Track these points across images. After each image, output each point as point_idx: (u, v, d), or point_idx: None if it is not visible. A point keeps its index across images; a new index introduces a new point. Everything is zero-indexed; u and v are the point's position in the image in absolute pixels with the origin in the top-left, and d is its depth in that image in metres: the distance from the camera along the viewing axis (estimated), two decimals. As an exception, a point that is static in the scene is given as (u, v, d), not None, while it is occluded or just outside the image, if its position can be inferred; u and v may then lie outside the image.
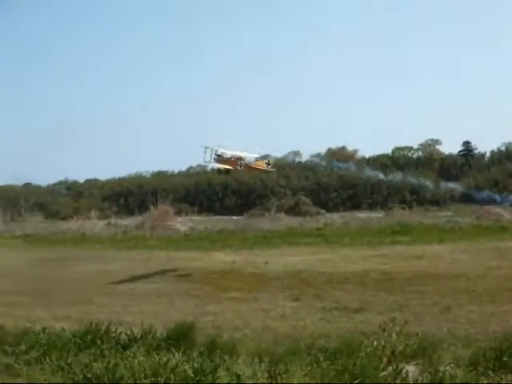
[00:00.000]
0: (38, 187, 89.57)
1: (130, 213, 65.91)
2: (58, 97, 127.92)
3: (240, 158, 26.80)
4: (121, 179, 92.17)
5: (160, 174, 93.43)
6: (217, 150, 26.78)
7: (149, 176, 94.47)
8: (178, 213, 46.49)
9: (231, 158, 26.92)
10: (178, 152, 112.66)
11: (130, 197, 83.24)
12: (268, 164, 27.35)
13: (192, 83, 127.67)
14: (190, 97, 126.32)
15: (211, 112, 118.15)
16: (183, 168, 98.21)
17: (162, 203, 42.59)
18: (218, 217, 63.25)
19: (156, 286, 18.34)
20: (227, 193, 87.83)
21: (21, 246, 35.44)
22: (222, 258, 25.37)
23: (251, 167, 27.32)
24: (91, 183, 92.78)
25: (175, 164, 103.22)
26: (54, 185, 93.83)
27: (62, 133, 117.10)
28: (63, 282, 20.24)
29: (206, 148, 26.33)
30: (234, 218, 57.03)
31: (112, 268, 23.23)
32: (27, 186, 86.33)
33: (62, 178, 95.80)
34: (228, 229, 39.94)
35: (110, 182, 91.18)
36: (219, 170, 28.61)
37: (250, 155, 26.92)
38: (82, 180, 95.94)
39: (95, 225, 42.42)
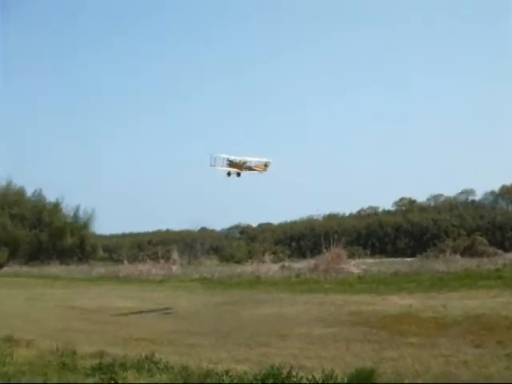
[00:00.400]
0: (212, 232, 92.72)
1: (303, 256, 66.50)
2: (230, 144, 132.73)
3: (245, 162, 33.41)
4: (292, 223, 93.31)
5: (331, 217, 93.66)
6: (228, 158, 32.89)
7: (320, 219, 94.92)
8: (351, 255, 46.21)
9: (239, 162, 33.23)
10: (349, 194, 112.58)
11: (302, 240, 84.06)
12: (266, 166, 33.67)
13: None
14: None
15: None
16: (354, 210, 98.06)
17: (334, 246, 42.45)
18: (391, 259, 62.35)
19: (332, 330, 18.18)
20: (399, 234, 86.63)
21: (198, 288, 36.49)
22: (397, 302, 24.79)
23: (252, 168, 33.24)
24: (264, 227, 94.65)
25: (346, 206, 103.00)
26: (229, 229, 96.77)
27: (234, 179, 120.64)
28: (241, 324, 20.60)
29: (213, 156, 32.48)
30: (407, 259, 55.92)
31: (288, 311, 23.39)
32: (203, 230, 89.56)
33: (235, 223, 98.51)
34: (402, 271, 39.04)
35: (282, 226, 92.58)
36: (229, 173, 33.76)
37: (252, 159, 33.40)
38: (254, 224, 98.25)
39: (269, 268, 42.89)
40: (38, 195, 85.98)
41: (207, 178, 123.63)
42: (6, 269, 65.36)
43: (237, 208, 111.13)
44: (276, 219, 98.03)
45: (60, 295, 34.48)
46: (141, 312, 25.68)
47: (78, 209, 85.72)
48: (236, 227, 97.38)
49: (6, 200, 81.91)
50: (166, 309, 26.58)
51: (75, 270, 58.55)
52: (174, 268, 47.69)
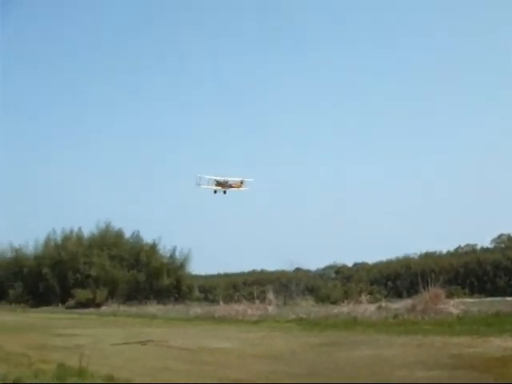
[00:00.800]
0: (307, 272, 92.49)
1: (399, 295, 65.38)
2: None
3: (227, 181, 43.65)
4: (388, 262, 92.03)
5: (428, 255, 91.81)
6: (215, 178, 43.03)
7: (416, 257, 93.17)
8: (449, 295, 45.00)
9: (223, 181, 43.16)
10: (445, 232, 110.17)
11: (398, 279, 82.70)
12: (241, 183, 44.03)
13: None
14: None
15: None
16: (451, 248, 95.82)
17: (431, 285, 41.49)
18: (491, 298, 60.49)
19: (433, 374, 17.67)
20: (498, 272, 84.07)
21: (294, 329, 36.26)
22: (500, 344, 23.84)
23: (231, 186, 43.13)
24: (359, 267, 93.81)
25: (443, 244, 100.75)
26: (324, 269, 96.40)
27: (325, 218, 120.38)
28: (338, 366, 20.35)
29: (200, 177, 43.55)
30: (508, 299, 54.19)
31: (386, 353, 22.92)
32: (298, 270, 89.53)
33: (330, 263, 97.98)
34: (503, 311, 37.66)
35: (378, 265, 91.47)
36: (215, 191, 43.79)
37: (232, 179, 43.56)
38: (350, 264, 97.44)
39: (366, 308, 42.27)
40: (136, 237, 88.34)
41: (301, 218, 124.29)
42: (104, 308, 67.12)
43: (332, 247, 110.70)
44: (371, 258, 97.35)
45: (158, 334, 34.93)
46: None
47: (174, 250, 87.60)
48: (331, 267, 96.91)
49: (105, 242, 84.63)
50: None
51: (172, 309, 59.37)
52: (270, 308, 47.61)
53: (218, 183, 45.05)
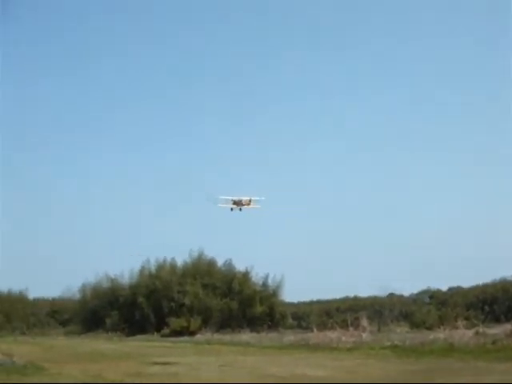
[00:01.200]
0: (401, 297, 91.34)
1: (497, 320, 63.62)
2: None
3: (241, 200, 51.48)
4: (484, 285, 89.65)
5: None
6: (232, 198, 51.52)
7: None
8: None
9: (237, 200, 50.93)
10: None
11: (495, 303, 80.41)
12: (250, 201, 52.06)
13: None
14: None
15: None
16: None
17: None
18: None
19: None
20: None
21: (389, 356, 35.75)
22: None
23: (243, 204, 50.79)
24: (454, 291, 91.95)
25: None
26: (417, 294, 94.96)
27: (417, 242, 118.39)
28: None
29: (216, 197, 54.21)
30: None
31: (486, 381, 22.36)
32: (391, 296, 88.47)
33: (424, 287, 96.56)
34: None
35: (474, 289, 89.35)
36: (231, 208, 51.42)
37: (244, 198, 51.59)
38: (444, 288, 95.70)
39: (463, 334, 41.28)
40: (228, 265, 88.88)
41: (391, 242, 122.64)
42: (198, 336, 67.72)
43: (425, 271, 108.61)
44: (466, 282, 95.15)
45: (252, 363, 34.99)
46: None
47: (267, 277, 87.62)
48: (425, 292, 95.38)
49: (198, 270, 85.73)
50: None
51: (265, 337, 59.33)
52: (364, 335, 47.08)
53: (234, 202, 53.51)
